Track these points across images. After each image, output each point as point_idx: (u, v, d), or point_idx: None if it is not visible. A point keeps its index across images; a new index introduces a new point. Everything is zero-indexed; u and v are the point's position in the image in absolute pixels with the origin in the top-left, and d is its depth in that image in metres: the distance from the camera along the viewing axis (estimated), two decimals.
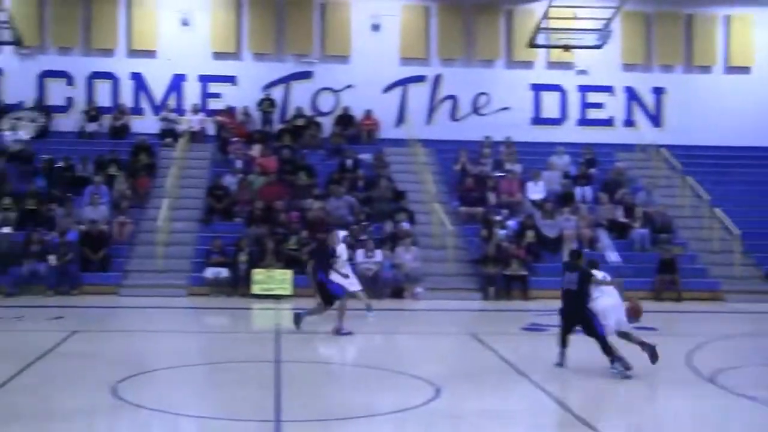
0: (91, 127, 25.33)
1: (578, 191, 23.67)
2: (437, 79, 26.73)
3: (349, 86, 26.36)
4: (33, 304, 17.47)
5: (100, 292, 19.41)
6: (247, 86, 26.06)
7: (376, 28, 26.43)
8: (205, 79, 26.05)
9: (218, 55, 26.13)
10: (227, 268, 19.64)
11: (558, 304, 12.04)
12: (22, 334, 14.87)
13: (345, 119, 26.03)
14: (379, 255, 20.09)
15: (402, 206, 22.29)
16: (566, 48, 24.84)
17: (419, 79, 26.65)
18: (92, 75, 25.86)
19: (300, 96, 26.26)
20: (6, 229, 19.65)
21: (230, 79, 26.09)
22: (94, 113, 25.48)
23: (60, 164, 22.85)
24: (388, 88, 26.52)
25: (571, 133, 26.74)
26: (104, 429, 9.59)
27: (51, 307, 17.51)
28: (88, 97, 25.79)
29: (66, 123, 25.64)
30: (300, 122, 25.75)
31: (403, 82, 26.59)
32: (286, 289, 19.43)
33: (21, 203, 21.21)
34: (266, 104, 25.84)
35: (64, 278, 19.43)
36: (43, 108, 25.40)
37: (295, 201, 22.30)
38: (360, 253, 20.11)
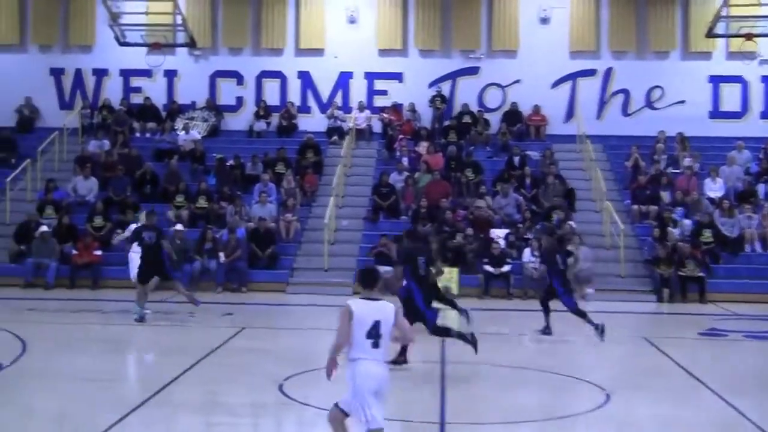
0: (260, 125, 26.12)
1: (761, 188, 22.51)
2: (608, 73, 26.04)
3: (516, 81, 26.07)
4: (203, 301, 18.14)
5: (267, 290, 19.96)
6: (413, 83, 26.20)
7: (544, 21, 26.01)
8: (371, 76, 26.38)
9: (384, 52, 26.38)
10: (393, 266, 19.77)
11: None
12: (195, 330, 15.46)
13: (512, 115, 25.75)
14: None
15: (563, 205, 21.85)
16: (749, 36, 23.63)
17: (589, 73, 26.05)
18: (261, 74, 26.66)
19: (466, 92, 26.18)
20: (179, 227, 20.51)
21: (396, 76, 26.29)
22: (263, 112, 26.26)
23: (230, 162, 23.66)
24: (557, 83, 26.05)
25: (753, 127, 25.48)
26: (270, 425, 9.82)
27: (221, 304, 18.13)
28: (257, 96, 26.61)
29: (236, 122, 26.57)
30: (467, 119, 25.67)
31: (573, 77, 26.06)
32: (453, 288, 19.39)
33: (193, 201, 22.09)
34: (438, 100, 25.90)
35: (233, 275, 20.09)
36: (214, 107, 26.40)
37: (461, 199, 22.24)
38: (527, 253, 19.83)
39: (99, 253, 20.39)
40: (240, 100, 26.73)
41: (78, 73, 26.80)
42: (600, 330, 13.71)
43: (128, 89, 26.79)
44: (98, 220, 21.24)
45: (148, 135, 25.98)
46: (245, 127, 26.36)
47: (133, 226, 17.28)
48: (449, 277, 19.46)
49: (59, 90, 26.81)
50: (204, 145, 24.78)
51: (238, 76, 26.72)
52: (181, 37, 25.17)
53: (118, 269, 20.40)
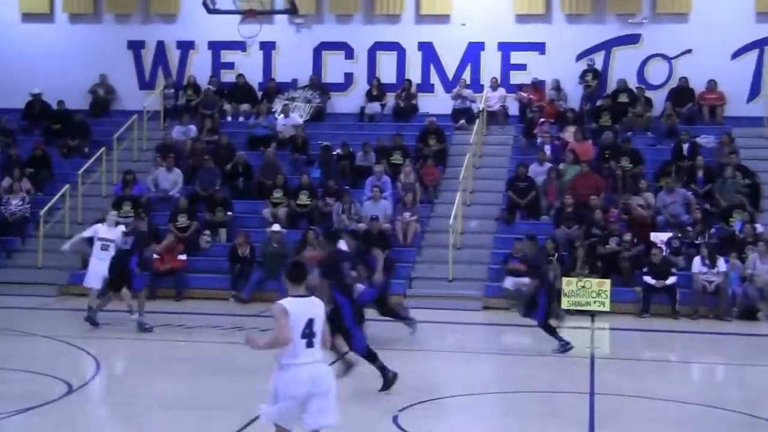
0: (373, 107, 26.36)
1: None
2: None
3: (687, 51, 25.61)
4: None
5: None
6: (557, 55, 26.01)
7: None
8: (506, 47, 26.33)
9: (523, 18, 26.28)
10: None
11: None
12: None
13: (681, 93, 25.29)
14: (723, 264, 19.35)
15: (746, 203, 21.35)
16: None
17: None
18: (374, 46, 26.93)
19: (624, 65, 25.85)
20: (276, 227, 20.86)
21: (537, 47, 26.17)
22: (376, 91, 26.49)
23: (337, 151, 23.96)
24: (739, 53, 25.44)
25: None
26: None
27: None
28: (370, 72, 26.87)
29: (344, 103, 26.90)
30: (624, 98, 25.34)
31: (759, 44, 25.40)
32: (603, 304, 19.18)
33: (293, 197, 22.46)
34: (589, 76, 25.65)
35: None
36: (319, 86, 26.76)
37: (615, 195, 21.97)
38: (697, 262, 19.47)
39: (184, 257, 20.94)
40: (349, 78, 27.05)
41: (160, 46, 27.60)
42: None
43: (218, 65, 27.44)
44: (183, 219, 21.82)
45: (240, 119, 26.55)
46: (355, 110, 26.65)
47: (98, 226, 17.66)
48: (599, 291, 19.25)
49: (138, 67, 27.66)
50: (306, 131, 25.15)
51: (347, 49, 27.03)
52: (280, 3, 25.57)
53: (206, 277, 20.94)
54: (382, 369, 12.14)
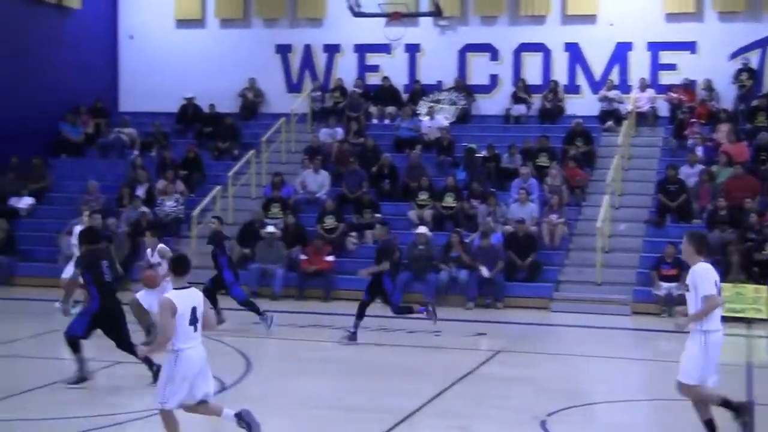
0: (519, 109, 26.18)
1: None
2: None
3: None
4: (451, 317, 18.37)
5: (527, 306, 19.95)
6: (709, 54, 25.37)
7: None
8: (656, 47, 25.82)
9: (673, 17, 25.72)
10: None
11: None
12: (441, 352, 15.70)
13: None
14: None
15: None
16: None
17: None
18: (520, 48, 26.73)
19: None
20: (422, 229, 20.86)
21: (688, 46, 25.58)
22: (522, 93, 26.29)
23: (483, 153, 23.84)
24: None
25: None
26: None
27: (471, 322, 18.30)
28: (515, 74, 26.70)
29: (490, 105, 26.78)
30: None
31: None
32: (761, 311, 18.60)
33: (438, 199, 22.45)
34: (744, 76, 24.93)
35: (486, 288, 20.24)
36: (464, 88, 26.70)
37: None
38: None
39: (331, 259, 21.13)
40: (494, 79, 26.91)
41: (307, 49, 27.96)
42: None
43: (363, 68, 27.64)
44: (330, 221, 22.02)
45: (386, 121, 26.69)
46: (500, 111, 26.50)
47: (77, 228, 16.89)
48: (755, 297, 18.68)
49: (286, 70, 28.07)
50: (452, 133, 25.12)
51: (492, 51, 26.91)
52: (424, 5, 25.63)
53: (353, 279, 21.05)
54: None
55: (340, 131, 25.60)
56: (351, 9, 24.64)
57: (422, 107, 26.30)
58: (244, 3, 28.29)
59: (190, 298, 8.93)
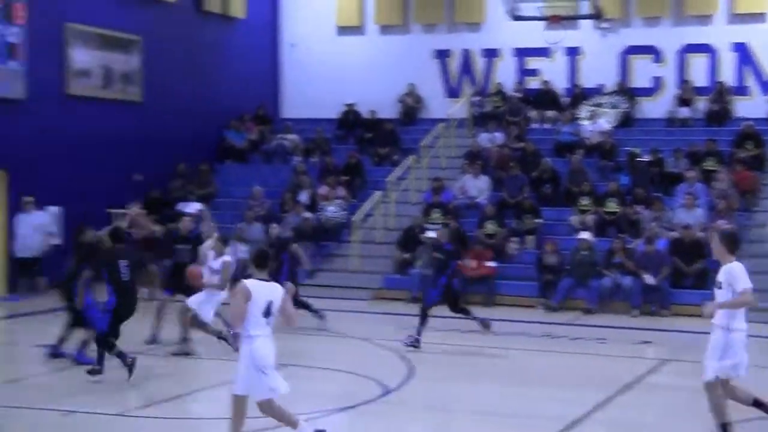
0: (684, 112, 25.55)
1: None
2: None
3: None
4: (615, 324, 18.04)
5: (694, 314, 19.35)
6: None
7: None
8: None
9: None
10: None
11: None
12: (605, 359, 15.41)
13: None
14: None
15: None
16: None
17: None
18: (684, 49, 26.09)
19: None
20: (584, 235, 20.55)
21: None
22: (687, 95, 25.65)
23: (646, 158, 23.35)
24: None
25: None
26: None
27: (636, 329, 17.92)
28: (680, 75, 26.07)
29: (653, 108, 26.22)
30: None
31: None
32: None
33: (601, 204, 22.07)
34: None
35: (652, 296, 19.80)
36: (626, 91, 26.22)
37: None
38: None
39: (492, 264, 21.00)
40: (658, 82, 26.34)
41: (465, 54, 27.89)
42: None
43: (523, 72, 27.42)
44: (490, 226, 21.89)
45: (546, 126, 26.39)
46: (664, 115, 25.92)
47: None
48: None
49: (444, 75, 28.06)
50: (614, 137, 24.69)
51: (655, 52, 26.35)
52: (585, 7, 25.20)
53: (515, 284, 20.92)
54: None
55: (499, 136, 25.44)
56: (510, 13, 24.46)
57: (583, 111, 25.91)
58: (403, 9, 28.41)
59: (267, 291, 9.11)
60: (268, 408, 9.19)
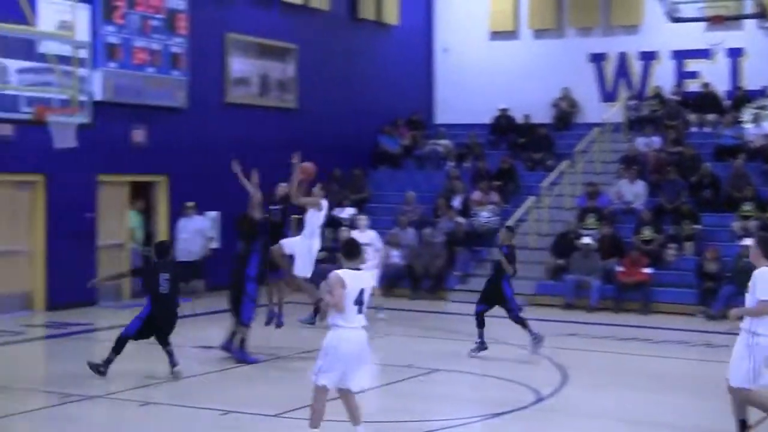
0: None
1: None
2: None
3: None
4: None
5: None
6: None
7: None
8: None
9: None
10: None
11: None
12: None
13: None
14: None
15: None
16: None
17: None
18: None
19: None
20: (748, 241, 19.81)
21: None
22: None
23: None
24: None
25: None
26: None
27: None
28: None
29: None
30: None
31: None
32: None
33: (764, 210, 21.38)
34: None
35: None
36: None
37: None
38: None
39: (649, 271, 20.56)
40: None
41: (621, 57, 27.47)
42: None
43: (681, 74, 26.86)
44: (647, 232, 21.43)
45: (706, 129, 25.71)
46: None
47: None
48: None
49: (600, 79, 27.69)
50: None
51: None
52: (748, 7, 24.49)
53: (672, 291, 20.43)
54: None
55: (657, 140, 24.90)
56: (668, 14, 23.96)
57: (746, 114, 25.13)
58: (557, 13, 28.16)
59: (359, 280, 9.14)
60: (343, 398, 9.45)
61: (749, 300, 9.78)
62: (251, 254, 14.28)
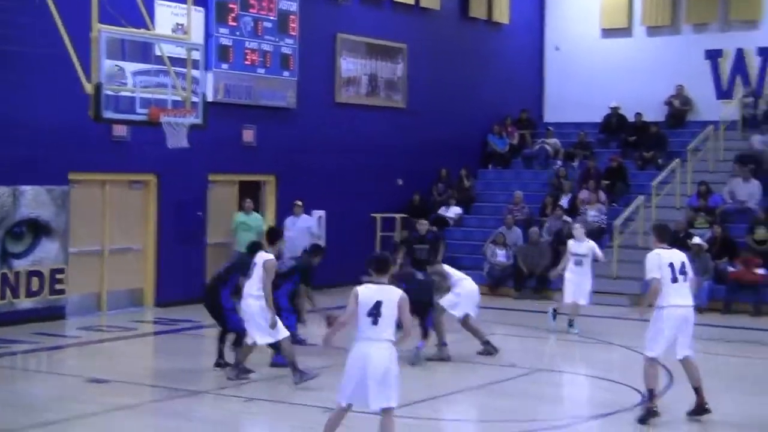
0: None
1: None
2: None
3: None
4: None
5: None
6: None
7: None
8: None
9: None
10: None
11: None
12: None
13: None
14: None
15: None
16: None
17: None
18: None
19: None
20: None
21: None
22: None
23: None
24: None
25: None
26: None
27: None
28: None
29: None
30: None
31: None
32: None
33: None
34: None
35: None
36: None
37: None
38: None
39: (762, 272, 20.19)
40: None
41: (739, 54, 26.93)
42: None
43: None
44: (761, 232, 21.04)
45: None
46: None
47: (570, 242, 17.40)
48: None
49: (715, 76, 27.19)
50: None
51: None
52: None
53: None
54: None
55: None
56: None
57: None
58: (672, 9, 27.75)
59: (378, 292, 8.78)
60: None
61: None
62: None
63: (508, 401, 12.33)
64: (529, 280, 22.19)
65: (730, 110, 25.98)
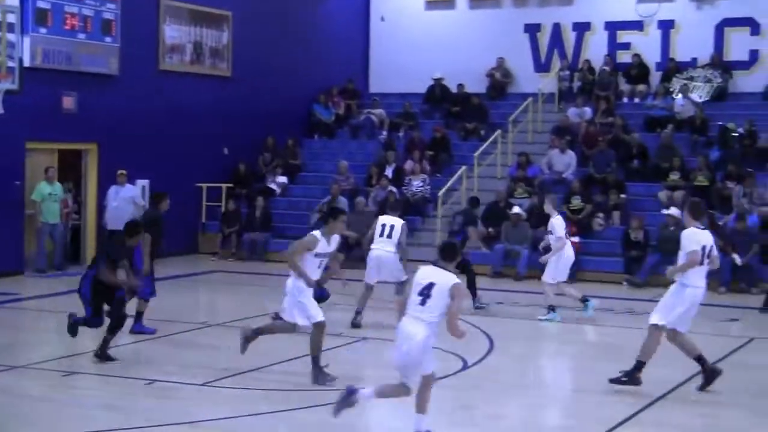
0: None
1: None
2: None
3: None
4: (702, 302, 17.74)
5: None
6: None
7: None
8: None
9: None
10: None
11: None
12: (690, 337, 15.17)
13: None
14: None
15: None
16: None
17: None
18: None
19: None
20: (672, 210, 20.15)
21: None
22: None
23: (739, 131, 22.90)
24: None
25: None
26: None
27: (724, 307, 17.58)
28: None
29: (748, 82, 25.69)
30: None
31: None
32: None
33: (690, 180, 21.73)
34: None
35: (741, 273, 19.48)
36: (720, 65, 25.69)
37: None
38: None
39: (577, 240, 20.79)
40: (754, 55, 25.75)
41: (556, 28, 27.62)
42: None
43: (614, 45, 27.09)
44: (576, 202, 21.73)
45: (636, 100, 26.09)
46: (760, 89, 25.33)
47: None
48: None
49: (534, 50, 27.83)
50: (706, 112, 24.26)
51: (752, 24, 25.75)
52: None
53: (599, 260, 20.76)
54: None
55: (588, 111, 25.18)
56: None
57: (675, 85, 25.48)
58: None
59: (433, 274, 8.90)
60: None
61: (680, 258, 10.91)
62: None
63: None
64: (355, 249, 22.29)
65: (548, 83, 26.65)
